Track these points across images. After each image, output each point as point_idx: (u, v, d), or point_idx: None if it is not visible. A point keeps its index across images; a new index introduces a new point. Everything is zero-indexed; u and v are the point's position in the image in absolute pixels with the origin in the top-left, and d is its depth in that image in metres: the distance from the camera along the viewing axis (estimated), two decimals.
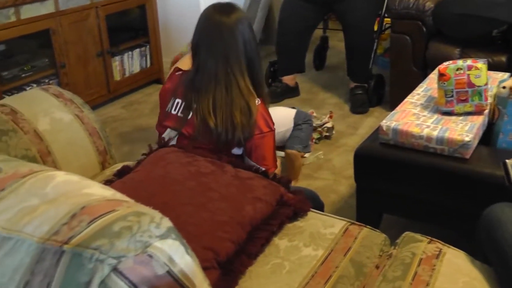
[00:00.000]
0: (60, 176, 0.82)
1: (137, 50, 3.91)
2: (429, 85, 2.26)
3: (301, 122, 2.42)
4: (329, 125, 3.01)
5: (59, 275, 0.64)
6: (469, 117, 1.93)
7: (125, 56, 3.83)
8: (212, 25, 1.77)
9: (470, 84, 1.89)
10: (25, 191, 0.78)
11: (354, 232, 1.53)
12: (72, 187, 0.79)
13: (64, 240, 0.67)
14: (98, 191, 0.78)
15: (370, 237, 1.53)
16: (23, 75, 3.27)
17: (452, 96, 1.94)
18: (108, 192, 0.78)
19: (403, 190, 1.99)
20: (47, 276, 0.65)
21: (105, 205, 0.73)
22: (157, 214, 0.71)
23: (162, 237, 0.70)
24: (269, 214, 1.49)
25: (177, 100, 1.86)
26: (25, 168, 0.85)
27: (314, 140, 2.96)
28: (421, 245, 1.46)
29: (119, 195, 0.78)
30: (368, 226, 1.58)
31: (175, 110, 1.87)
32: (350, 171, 2.67)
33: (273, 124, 1.86)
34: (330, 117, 3.09)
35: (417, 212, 2.02)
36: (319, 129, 3.00)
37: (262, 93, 1.85)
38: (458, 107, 1.95)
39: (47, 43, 3.32)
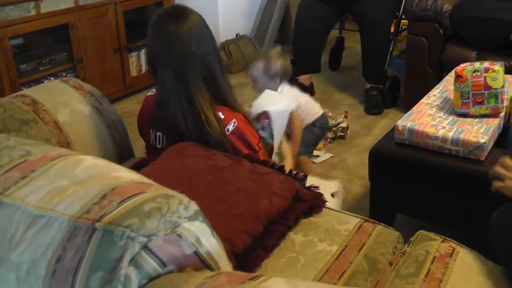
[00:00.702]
0: (89, 160, 0.84)
1: None
2: (445, 87, 2.27)
3: (318, 124, 2.43)
4: (343, 125, 3.03)
5: (91, 251, 0.67)
6: (485, 120, 1.94)
7: (142, 52, 3.86)
8: (162, 37, 1.63)
9: (487, 87, 1.90)
10: (55, 173, 0.81)
11: (368, 229, 1.55)
12: (100, 170, 0.81)
13: (95, 218, 0.70)
14: (126, 174, 0.81)
15: (384, 234, 1.55)
16: (41, 69, 3.32)
17: (468, 98, 1.94)
18: (136, 176, 0.81)
19: (416, 191, 2.00)
20: (79, 252, 0.67)
21: (134, 187, 0.75)
22: (184, 198, 0.74)
23: (190, 218, 0.72)
24: (285, 209, 1.51)
25: (158, 133, 1.78)
26: (54, 152, 0.88)
27: (328, 140, 2.98)
28: (434, 244, 1.47)
29: (146, 179, 0.80)
30: (382, 224, 1.60)
31: (159, 144, 1.79)
32: (364, 171, 2.69)
33: (258, 140, 1.78)
34: (345, 117, 3.10)
35: (430, 213, 2.02)
36: (334, 128, 3.02)
37: (233, 106, 1.73)
38: (474, 109, 1.95)
39: (65, 38, 3.37)
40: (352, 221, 1.58)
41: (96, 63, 3.56)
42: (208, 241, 0.73)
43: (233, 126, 1.69)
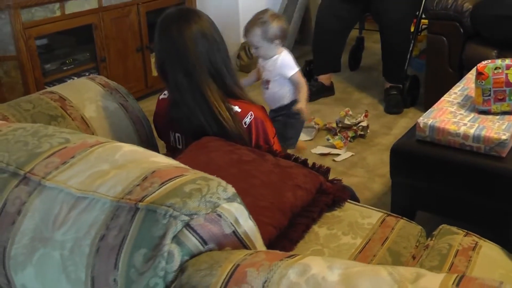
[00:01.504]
0: (127, 147, 0.88)
1: None
2: (466, 85, 2.28)
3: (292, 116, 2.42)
4: (364, 124, 3.04)
5: (134, 230, 0.70)
6: (506, 117, 1.94)
7: None
8: (167, 41, 1.68)
9: (508, 84, 1.91)
10: (94, 158, 0.84)
11: (391, 223, 1.57)
12: (139, 156, 0.85)
13: (138, 198, 0.73)
14: (164, 159, 0.84)
15: (406, 228, 1.56)
16: (65, 68, 3.39)
17: (489, 95, 1.95)
18: (173, 161, 0.84)
19: (438, 187, 2.01)
20: (122, 231, 0.71)
21: (174, 171, 0.79)
22: (222, 181, 0.77)
23: (229, 200, 0.75)
24: (309, 202, 1.53)
25: (177, 134, 1.82)
26: (92, 139, 0.92)
27: (349, 139, 3.00)
28: (457, 237, 1.48)
29: (182, 165, 0.84)
30: (404, 218, 1.61)
31: (179, 145, 1.82)
32: (384, 170, 2.70)
33: (274, 134, 1.81)
34: (365, 116, 3.11)
35: (451, 210, 2.03)
36: (354, 127, 3.03)
37: (245, 98, 1.76)
38: (495, 106, 1.96)
39: (88, 38, 3.43)
40: (375, 215, 1.60)
41: (119, 62, 3.61)
42: (245, 222, 0.76)
43: (250, 118, 1.73)
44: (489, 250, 1.43)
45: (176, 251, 0.69)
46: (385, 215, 1.60)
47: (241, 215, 0.76)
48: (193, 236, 0.70)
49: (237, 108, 1.70)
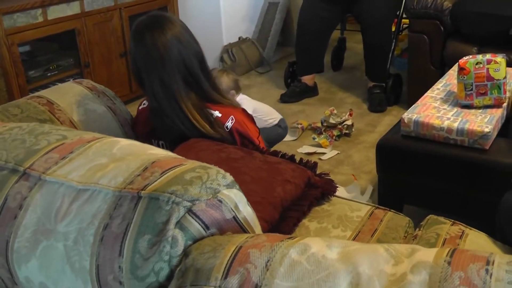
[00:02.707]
0: (123, 141, 0.90)
1: None
2: (449, 81, 2.33)
3: (283, 126, 2.71)
4: (349, 122, 3.08)
5: (138, 217, 0.72)
6: (488, 110, 2.00)
7: None
8: (141, 49, 1.65)
9: (489, 78, 1.96)
10: (92, 153, 0.86)
11: (379, 215, 1.60)
12: (137, 149, 0.86)
13: (140, 187, 0.75)
14: (161, 152, 0.86)
15: (395, 220, 1.60)
16: (49, 74, 3.38)
17: (471, 89, 2.00)
18: (171, 153, 0.86)
19: (424, 181, 2.05)
20: (126, 219, 0.72)
21: (173, 161, 0.81)
22: (220, 169, 0.79)
23: (229, 186, 0.78)
24: (298, 196, 1.56)
25: (160, 142, 1.81)
26: (88, 135, 0.93)
27: (334, 137, 3.03)
28: (444, 227, 1.52)
29: (180, 156, 0.86)
30: (392, 210, 1.65)
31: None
32: (370, 167, 2.75)
33: (258, 133, 1.82)
34: (350, 114, 3.16)
35: (438, 202, 2.07)
36: (339, 126, 3.07)
37: (224, 102, 1.76)
38: (477, 100, 2.01)
39: (71, 43, 3.43)
40: (364, 209, 1.63)
41: (103, 68, 3.61)
42: (244, 208, 0.79)
43: (231, 122, 1.73)
44: (476, 238, 1.47)
45: (180, 236, 0.71)
46: (374, 208, 1.64)
47: (240, 201, 0.78)
48: (196, 221, 0.72)
49: (217, 113, 1.71)
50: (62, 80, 3.43)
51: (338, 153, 2.93)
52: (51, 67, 3.39)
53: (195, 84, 1.69)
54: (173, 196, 0.72)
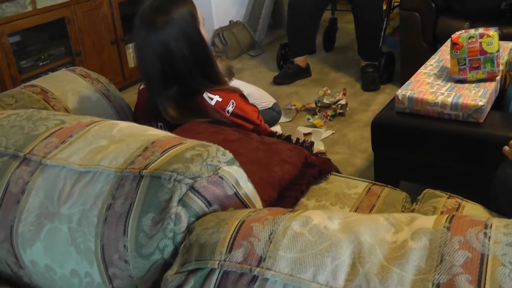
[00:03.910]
0: (122, 123, 0.90)
1: None
2: (441, 56, 2.34)
3: (277, 110, 2.70)
4: (342, 102, 3.09)
5: (140, 196, 0.73)
6: (482, 84, 2.01)
7: None
8: (141, 37, 1.65)
9: (482, 52, 1.96)
10: (92, 136, 0.87)
11: (376, 191, 1.62)
12: (136, 130, 0.87)
13: (141, 167, 0.76)
14: (161, 132, 0.87)
15: (392, 195, 1.61)
16: (40, 64, 3.36)
17: (465, 64, 2.01)
18: (170, 134, 0.87)
19: (419, 157, 2.07)
20: (129, 198, 0.73)
21: (172, 140, 0.81)
22: (220, 147, 0.80)
23: (229, 163, 0.78)
24: (296, 175, 1.57)
25: (159, 123, 1.81)
26: (86, 119, 0.94)
27: (328, 117, 3.04)
28: (441, 200, 1.53)
29: (179, 136, 0.86)
30: (389, 186, 1.66)
31: None
32: (365, 145, 2.76)
33: (258, 113, 1.84)
34: (344, 94, 3.16)
35: (433, 177, 2.09)
36: (333, 106, 3.08)
37: (229, 88, 1.79)
38: (470, 75, 2.02)
39: (62, 32, 3.41)
40: (361, 185, 1.64)
41: (94, 56, 3.60)
42: (245, 184, 0.80)
43: (232, 107, 1.74)
44: (472, 209, 1.49)
45: (183, 213, 0.72)
46: (371, 184, 1.65)
47: (241, 177, 0.79)
48: (198, 198, 0.73)
49: (217, 98, 1.72)
50: (54, 70, 3.40)
51: (333, 132, 2.94)
52: (42, 57, 3.37)
53: (201, 68, 1.68)
54: (175, 174, 0.73)
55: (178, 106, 1.69)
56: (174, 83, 1.68)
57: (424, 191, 1.60)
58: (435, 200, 1.53)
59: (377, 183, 1.67)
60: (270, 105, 2.71)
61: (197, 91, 1.70)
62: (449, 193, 1.57)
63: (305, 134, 2.92)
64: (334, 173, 1.70)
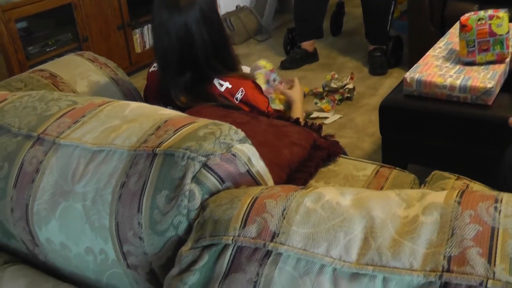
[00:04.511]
0: (134, 104, 0.91)
1: None
2: (450, 39, 2.32)
3: None
4: (350, 86, 3.08)
5: (154, 174, 0.74)
6: (491, 66, 2.00)
7: (145, 28, 3.90)
8: (160, 21, 1.66)
9: (492, 33, 1.95)
10: (104, 116, 0.87)
11: (385, 173, 1.62)
12: (148, 110, 0.88)
13: (154, 145, 0.76)
14: (172, 112, 0.88)
15: (400, 177, 1.62)
16: (48, 50, 3.36)
17: (474, 46, 2.00)
18: (182, 113, 0.87)
19: (427, 140, 2.07)
20: (142, 176, 0.74)
21: (184, 119, 0.82)
22: (232, 125, 0.81)
23: (241, 141, 0.79)
24: (305, 157, 1.58)
25: (169, 106, 1.79)
26: (98, 100, 0.95)
27: (336, 102, 3.04)
28: (449, 182, 1.54)
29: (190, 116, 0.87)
30: (397, 168, 1.67)
31: None
32: (372, 129, 2.76)
33: (268, 104, 1.84)
34: (351, 78, 3.16)
35: (441, 160, 2.10)
36: (341, 90, 3.07)
37: (242, 74, 1.79)
38: (479, 57, 2.01)
39: (68, 18, 3.41)
40: (369, 168, 1.65)
41: (101, 41, 3.60)
42: (257, 162, 0.81)
43: (241, 94, 1.75)
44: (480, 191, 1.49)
45: (197, 190, 0.72)
46: (379, 166, 1.66)
47: (253, 155, 0.80)
48: (211, 175, 0.74)
49: (227, 84, 1.73)
50: (61, 55, 3.38)
51: (340, 117, 2.94)
52: (49, 43, 3.38)
53: (218, 52, 1.69)
54: (188, 151, 0.74)
55: (188, 93, 1.70)
56: (188, 69, 1.69)
57: (433, 173, 1.60)
58: (444, 182, 1.53)
59: (385, 165, 1.67)
60: None
61: (209, 78, 1.71)
62: (457, 175, 1.57)
63: (312, 119, 2.93)
64: (342, 155, 1.71)
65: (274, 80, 2.12)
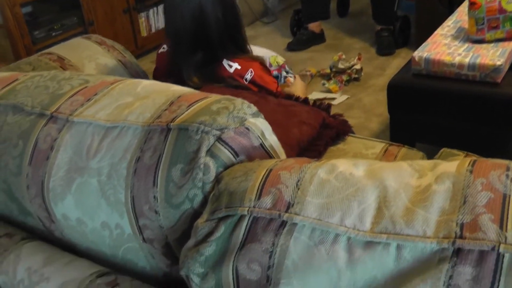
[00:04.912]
0: (146, 81, 0.92)
1: (162, 5, 3.97)
2: (459, 17, 2.31)
3: None
4: (357, 67, 3.08)
5: (169, 148, 0.75)
6: (500, 43, 1.99)
7: (151, 12, 3.90)
8: (173, 5, 1.68)
9: (502, 10, 1.94)
10: (117, 93, 0.88)
11: (393, 151, 1.63)
12: (160, 87, 0.89)
13: (168, 120, 0.77)
14: (184, 88, 0.88)
15: (409, 155, 1.62)
16: (53, 34, 3.37)
17: (483, 24, 1.99)
18: (193, 90, 0.88)
19: (436, 118, 2.07)
20: (157, 151, 0.75)
21: (197, 95, 0.83)
22: (244, 100, 0.81)
23: (254, 115, 0.80)
24: (314, 136, 1.58)
25: None
26: (110, 78, 0.95)
27: (343, 82, 3.04)
28: (458, 158, 1.53)
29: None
30: (406, 146, 1.67)
31: None
32: (380, 109, 2.76)
33: (277, 85, 1.84)
34: (359, 59, 3.15)
35: (450, 139, 2.09)
36: (348, 71, 3.07)
37: (251, 56, 1.80)
38: (489, 35, 2.00)
39: (74, 2, 3.40)
40: (378, 146, 1.65)
41: (107, 25, 3.60)
42: (270, 136, 0.81)
43: (250, 75, 1.75)
44: None
45: (211, 163, 0.73)
46: (388, 144, 1.66)
47: (266, 129, 0.81)
48: (226, 148, 0.75)
49: (236, 65, 1.73)
50: (67, 40, 3.38)
51: (348, 97, 2.94)
52: (55, 27, 3.38)
53: (231, 37, 1.71)
54: (202, 125, 0.74)
55: (199, 73, 1.71)
56: (201, 49, 1.69)
57: (441, 150, 1.60)
58: (453, 159, 1.52)
59: (394, 143, 1.68)
60: None
61: (219, 59, 1.71)
62: (466, 152, 1.57)
63: (319, 99, 2.92)
64: (351, 134, 1.71)
65: (285, 78, 2.11)
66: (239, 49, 1.75)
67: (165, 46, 1.90)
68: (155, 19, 3.94)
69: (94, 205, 0.81)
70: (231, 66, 1.72)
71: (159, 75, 1.95)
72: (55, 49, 2.02)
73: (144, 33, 3.88)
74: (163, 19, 4.00)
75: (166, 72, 1.84)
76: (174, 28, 1.69)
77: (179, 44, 1.69)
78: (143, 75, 2.07)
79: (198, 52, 1.68)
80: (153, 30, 3.93)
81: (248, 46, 1.83)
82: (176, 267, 0.79)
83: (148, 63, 3.78)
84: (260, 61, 1.83)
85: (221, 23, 1.65)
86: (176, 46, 1.72)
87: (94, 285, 0.80)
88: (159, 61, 1.94)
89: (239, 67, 1.73)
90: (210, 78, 1.71)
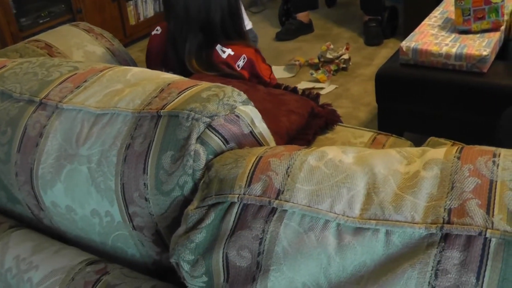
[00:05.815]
0: (135, 69, 0.92)
1: None
2: (446, 8, 2.32)
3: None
4: (345, 56, 3.08)
5: (159, 135, 0.75)
6: (486, 34, 2.01)
7: (139, 0, 3.87)
8: None
9: (487, 1, 1.96)
10: (107, 80, 0.88)
11: (382, 140, 1.64)
12: (150, 74, 0.88)
13: (159, 107, 0.77)
14: (174, 76, 0.88)
15: (397, 144, 1.64)
16: (41, 21, 3.33)
17: (469, 14, 2.00)
18: (183, 77, 0.88)
19: (423, 108, 2.09)
20: (147, 138, 0.75)
21: (187, 82, 0.83)
22: (234, 88, 0.82)
23: (244, 103, 0.80)
24: (303, 125, 1.59)
25: (170, 72, 1.83)
26: (99, 65, 0.95)
27: (331, 72, 3.04)
28: (445, 147, 1.55)
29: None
30: (394, 135, 1.68)
31: None
32: (368, 99, 2.77)
33: (270, 72, 1.86)
34: (347, 49, 3.15)
35: (437, 128, 2.11)
36: (336, 61, 3.08)
37: (246, 42, 1.82)
38: (475, 25, 2.02)
39: None
40: (366, 135, 1.66)
41: (95, 13, 3.57)
42: (260, 123, 0.82)
43: (243, 61, 1.75)
44: None
45: (201, 150, 0.74)
46: (376, 133, 1.67)
47: (256, 117, 0.81)
48: (216, 135, 0.75)
49: (230, 51, 1.73)
50: (54, 27, 3.36)
51: (336, 87, 2.95)
52: (42, 14, 3.34)
53: (232, 18, 1.72)
54: (192, 113, 0.74)
55: (196, 57, 1.71)
56: (201, 30, 1.69)
57: (429, 139, 1.62)
58: (440, 147, 1.55)
59: (382, 132, 1.69)
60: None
61: (215, 43, 1.71)
62: (453, 141, 1.59)
63: (308, 89, 2.93)
64: (339, 123, 1.72)
65: None
66: (237, 34, 1.76)
67: (158, 28, 1.89)
68: (143, 8, 3.92)
69: (84, 193, 0.80)
70: (224, 52, 1.72)
71: (150, 57, 1.94)
72: (43, 36, 2.00)
73: (132, 21, 3.86)
74: (151, 8, 3.98)
75: (158, 55, 1.83)
76: (176, 8, 1.68)
77: (180, 25, 1.69)
78: (131, 63, 2.06)
79: (198, 34, 1.68)
80: (142, 18, 3.91)
81: (245, 31, 1.83)
82: (166, 254, 0.80)
83: (137, 51, 3.76)
84: (254, 47, 1.83)
85: (224, 6, 1.67)
86: (176, 28, 1.70)
87: (84, 273, 0.80)
88: (151, 43, 1.93)
89: (232, 53, 1.73)
90: (204, 63, 1.71)
